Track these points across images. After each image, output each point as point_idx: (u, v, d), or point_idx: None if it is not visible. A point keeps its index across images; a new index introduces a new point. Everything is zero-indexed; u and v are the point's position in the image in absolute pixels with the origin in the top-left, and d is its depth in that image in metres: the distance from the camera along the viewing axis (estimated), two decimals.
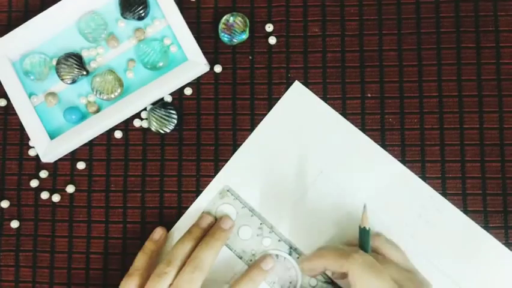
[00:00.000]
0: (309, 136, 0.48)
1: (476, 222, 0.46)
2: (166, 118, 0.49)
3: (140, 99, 0.48)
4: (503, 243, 0.46)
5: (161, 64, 0.49)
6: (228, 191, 0.48)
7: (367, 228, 0.41)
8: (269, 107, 0.49)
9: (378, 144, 0.48)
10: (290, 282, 0.46)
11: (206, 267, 0.43)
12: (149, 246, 0.47)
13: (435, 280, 0.45)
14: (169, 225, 0.49)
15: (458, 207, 0.46)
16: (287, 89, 0.49)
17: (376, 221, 0.46)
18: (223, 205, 0.48)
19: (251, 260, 0.47)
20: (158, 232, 0.47)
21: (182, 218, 0.48)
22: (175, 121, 0.49)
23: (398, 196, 0.47)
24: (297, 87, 0.49)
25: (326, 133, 0.48)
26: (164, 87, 0.49)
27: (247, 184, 0.48)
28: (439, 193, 0.47)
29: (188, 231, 0.46)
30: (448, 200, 0.46)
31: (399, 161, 0.47)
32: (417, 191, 0.47)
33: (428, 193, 0.47)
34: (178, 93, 0.50)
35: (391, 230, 0.46)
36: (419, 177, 0.47)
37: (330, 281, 0.46)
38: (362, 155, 0.47)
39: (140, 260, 0.46)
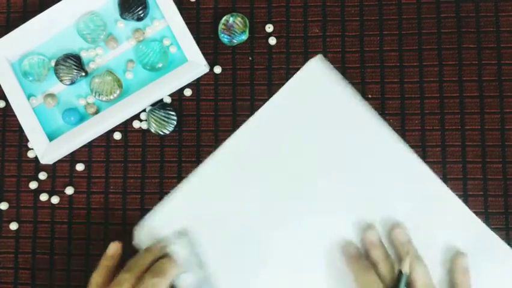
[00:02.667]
0: (322, 116, 0.47)
1: None
2: (166, 119, 0.48)
3: (139, 101, 0.48)
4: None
5: (160, 65, 0.49)
6: (184, 234, 0.47)
7: (406, 273, 0.42)
8: None
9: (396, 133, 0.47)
10: None
11: (168, 274, 0.42)
12: (104, 262, 0.45)
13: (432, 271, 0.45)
14: None
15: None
16: None
17: (374, 202, 0.46)
18: (176, 245, 0.46)
19: None
20: (112, 248, 0.45)
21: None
22: (175, 122, 0.48)
23: (401, 181, 0.46)
24: (317, 61, 0.48)
25: (341, 115, 0.47)
26: (163, 88, 0.48)
27: (250, 162, 0.48)
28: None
29: (148, 248, 0.45)
30: None
31: None
32: (421, 179, 0.46)
33: (433, 183, 0.46)
34: (177, 94, 0.50)
35: (391, 213, 0.46)
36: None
37: None
38: (377, 141, 0.47)
39: (96, 277, 0.44)
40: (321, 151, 0.47)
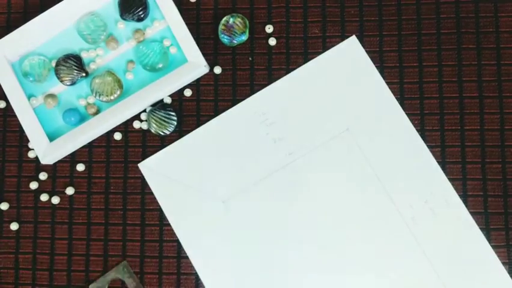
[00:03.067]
0: (345, 93, 0.48)
1: (478, 225, 0.46)
2: (166, 120, 0.48)
3: (139, 101, 0.48)
4: (505, 245, 0.46)
5: (160, 65, 0.49)
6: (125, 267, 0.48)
7: None
8: None
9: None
10: None
11: None
12: None
13: (421, 267, 0.46)
14: (169, 226, 0.49)
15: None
16: None
17: (381, 189, 0.47)
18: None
19: None
20: None
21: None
22: (175, 123, 0.49)
23: (412, 174, 0.46)
24: (352, 42, 0.48)
25: (364, 96, 0.47)
26: (163, 89, 0.48)
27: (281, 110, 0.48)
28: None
29: None
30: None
31: None
32: (433, 177, 0.46)
33: (443, 183, 0.46)
34: (177, 95, 0.50)
35: (395, 204, 0.46)
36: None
37: None
38: (391, 126, 0.47)
39: None
40: (335, 127, 0.48)
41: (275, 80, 0.49)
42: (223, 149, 0.48)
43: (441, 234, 0.46)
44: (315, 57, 0.49)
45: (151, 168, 0.49)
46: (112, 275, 0.48)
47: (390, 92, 0.47)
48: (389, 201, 0.46)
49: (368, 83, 0.48)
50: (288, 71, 0.49)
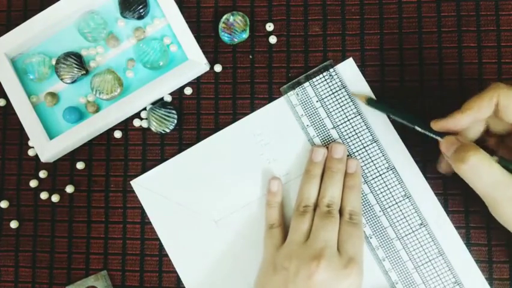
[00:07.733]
0: (339, 114, 0.48)
1: (478, 223, 0.46)
2: (166, 118, 0.48)
3: (140, 99, 0.48)
4: (505, 244, 0.45)
5: (161, 63, 0.49)
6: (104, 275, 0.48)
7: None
8: None
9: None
10: None
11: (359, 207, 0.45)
12: (272, 199, 0.47)
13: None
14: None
15: (460, 228, 0.46)
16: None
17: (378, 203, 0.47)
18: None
19: None
20: (274, 184, 0.47)
21: None
22: (175, 121, 0.48)
23: (405, 202, 0.47)
24: (349, 64, 0.48)
25: (359, 116, 0.47)
26: (164, 87, 0.48)
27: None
28: (440, 193, 0.46)
29: (307, 171, 0.46)
30: (449, 205, 0.46)
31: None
32: (428, 204, 0.47)
33: (437, 210, 0.46)
34: (178, 93, 0.50)
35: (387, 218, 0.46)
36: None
37: None
38: (387, 147, 0.47)
39: (272, 214, 0.47)
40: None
41: (275, 78, 0.49)
42: (217, 168, 0.48)
43: (430, 255, 0.46)
44: (317, 55, 0.49)
45: (143, 185, 0.48)
46: (89, 282, 0.48)
47: (386, 117, 0.47)
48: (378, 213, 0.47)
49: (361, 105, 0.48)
50: (288, 69, 0.49)
